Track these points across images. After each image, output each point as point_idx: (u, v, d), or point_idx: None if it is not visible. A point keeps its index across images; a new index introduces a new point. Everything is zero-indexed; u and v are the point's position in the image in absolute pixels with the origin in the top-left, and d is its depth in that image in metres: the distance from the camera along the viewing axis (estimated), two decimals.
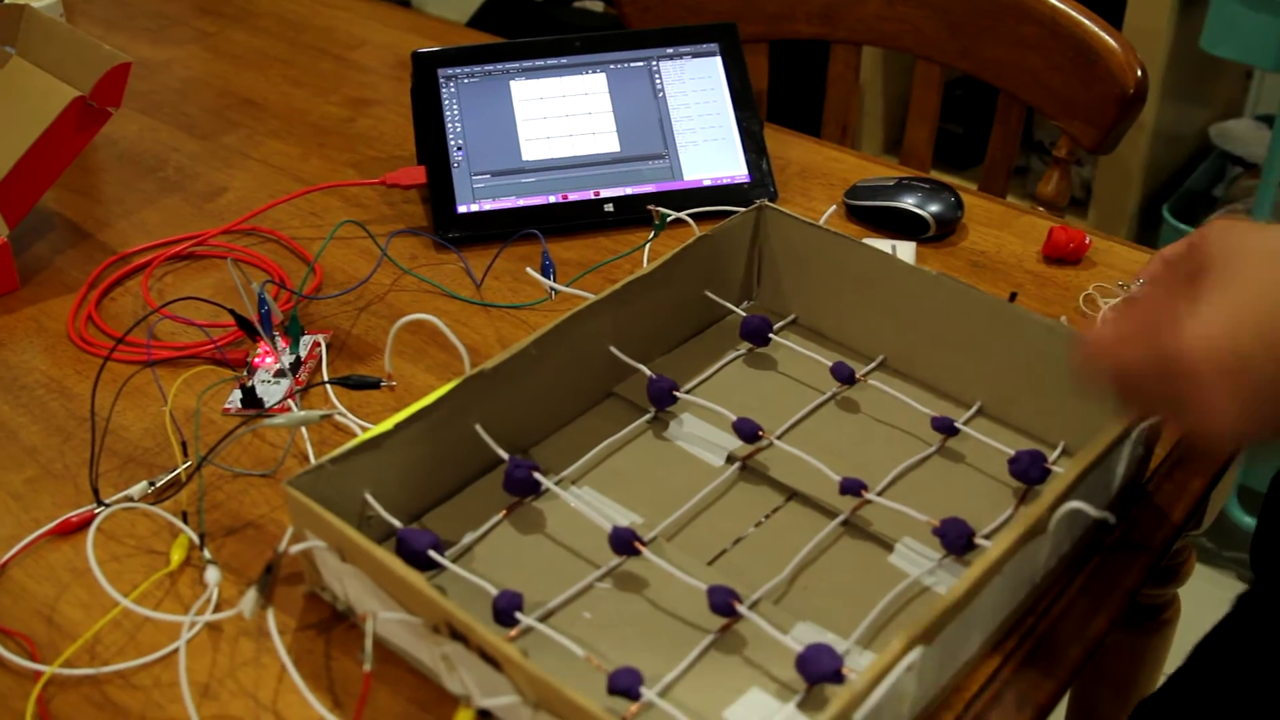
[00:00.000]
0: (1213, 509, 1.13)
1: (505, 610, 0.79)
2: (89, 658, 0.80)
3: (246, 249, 1.20)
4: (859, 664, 0.76)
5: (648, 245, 1.14)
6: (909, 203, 1.19)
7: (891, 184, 1.21)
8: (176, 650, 0.80)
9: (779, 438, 0.94)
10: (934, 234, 1.19)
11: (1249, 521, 2.11)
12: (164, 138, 1.40)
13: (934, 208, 1.18)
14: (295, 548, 0.80)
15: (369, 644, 0.74)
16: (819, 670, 0.73)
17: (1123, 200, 2.58)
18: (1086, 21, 1.34)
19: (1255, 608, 0.98)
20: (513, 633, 0.79)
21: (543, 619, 0.80)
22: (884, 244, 1.13)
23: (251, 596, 0.77)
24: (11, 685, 0.79)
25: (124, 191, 1.30)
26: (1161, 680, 1.22)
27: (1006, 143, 1.48)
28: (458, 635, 0.71)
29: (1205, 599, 1.44)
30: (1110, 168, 2.57)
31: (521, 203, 1.20)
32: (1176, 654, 1.31)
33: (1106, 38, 1.33)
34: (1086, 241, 1.15)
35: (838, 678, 0.73)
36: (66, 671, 0.79)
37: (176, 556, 0.86)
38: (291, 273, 1.16)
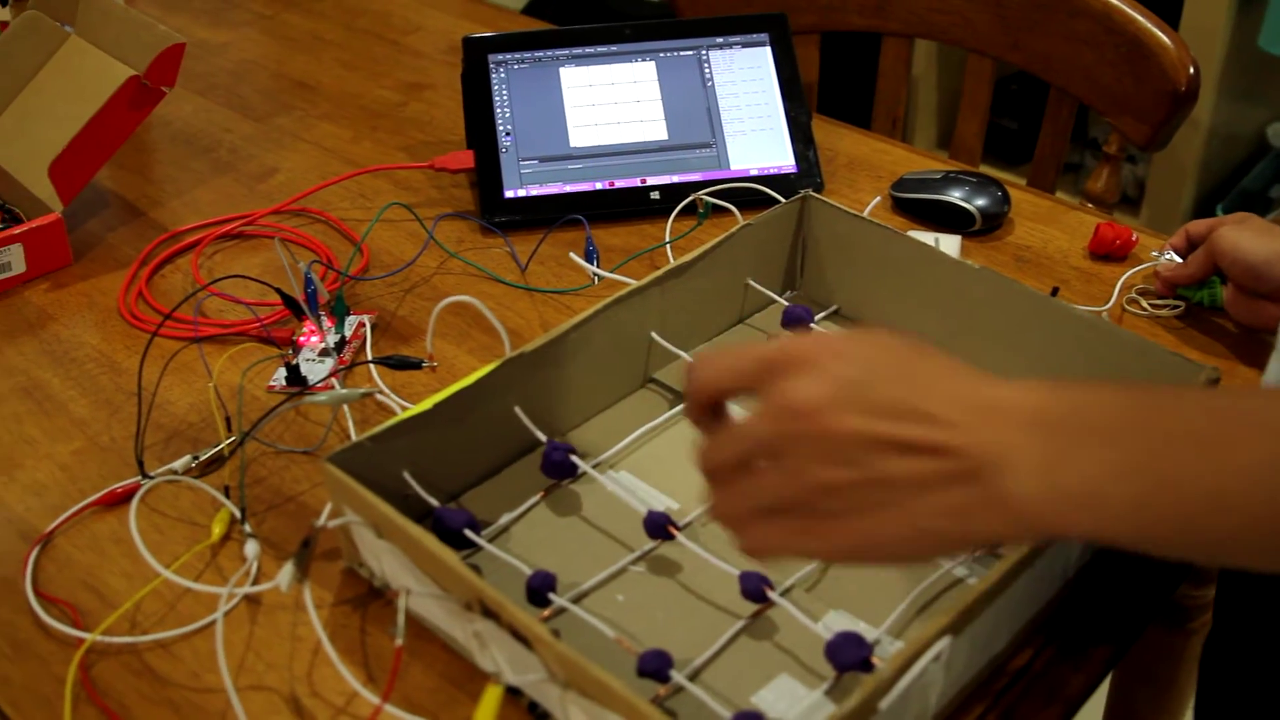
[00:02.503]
0: None
1: (539, 590, 0.79)
2: (129, 626, 0.82)
3: (295, 229, 1.21)
4: (889, 654, 0.77)
5: (692, 232, 1.15)
6: (955, 196, 1.18)
7: (938, 177, 1.21)
8: (214, 621, 0.81)
9: None
10: (979, 228, 1.18)
11: None
12: (218, 119, 1.42)
13: (980, 202, 1.18)
14: (333, 523, 0.81)
15: (402, 619, 0.75)
16: (847, 658, 0.74)
17: (1176, 199, 2.56)
18: (1139, 17, 1.34)
19: (1217, 653, 0.98)
20: (545, 613, 0.79)
21: (575, 600, 0.81)
22: (928, 237, 1.13)
23: (288, 570, 0.78)
24: (54, 651, 0.80)
25: (177, 171, 1.32)
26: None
27: (1056, 138, 1.48)
28: (490, 613, 0.72)
29: None
30: (1164, 166, 2.55)
31: (568, 189, 1.21)
32: None
33: (1159, 34, 1.32)
34: (1134, 239, 1.15)
35: (866, 666, 0.74)
36: (107, 639, 0.81)
37: (217, 530, 0.88)
38: (339, 253, 1.17)
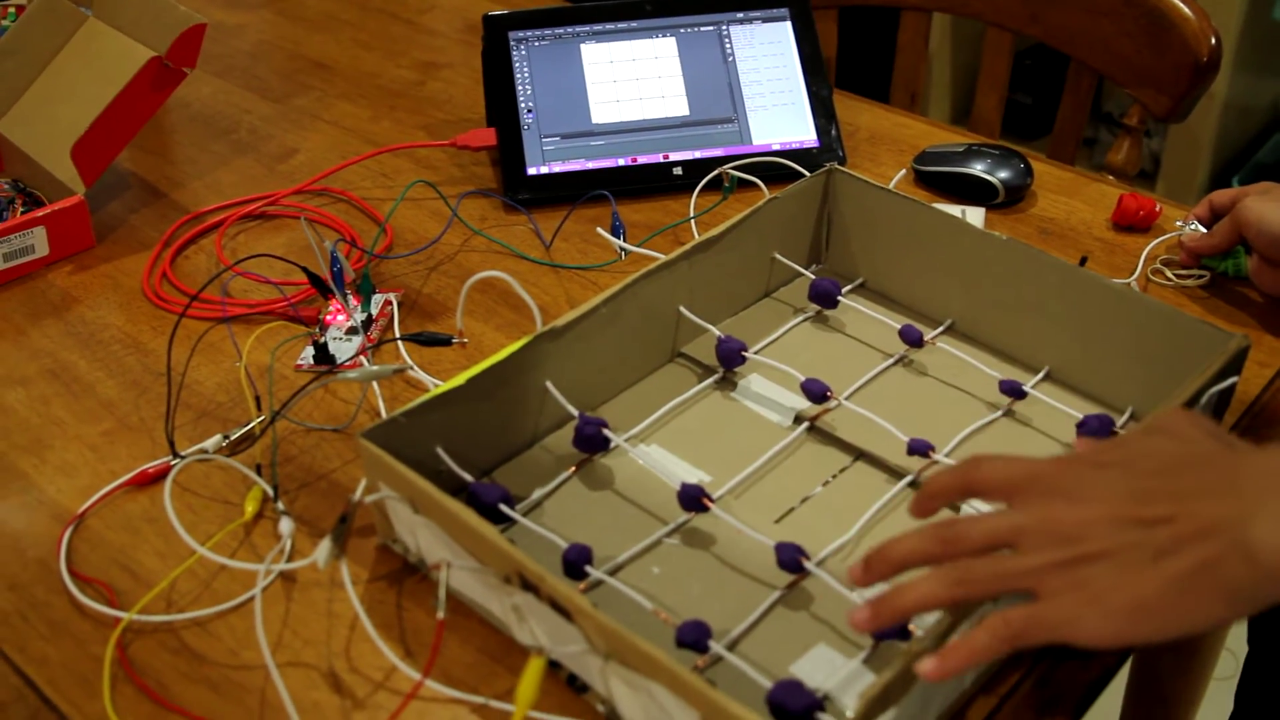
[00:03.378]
0: None
1: (575, 563, 0.80)
2: (165, 605, 0.82)
3: (318, 209, 1.21)
4: (926, 623, 0.77)
5: (717, 207, 1.15)
6: (978, 169, 1.18)
7: (961, 150, 1.21)
8: (251, 599, 0.82)
9: (847, 399, 0.94)
10: (1003, 200, 1.18)
11: None
12: (236, 100, 1.42)
13: (1003, 174, 1.18)
14: (369, 498, 0.81)
15: (443, 592, 0.75)
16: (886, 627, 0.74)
17: (1192, 172, 2.56)
18: None
19: (1254, 680, 0.98)
20: (582, 586, 0.79)
21: (611, 573, 0.81)
22: (953, 209, 1.13)
23: (326, 546, 0.79)
24: (91, 631, 0.81)
25: (197, 152, 1.32)
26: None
27: (1076, 111, 1.47)
28: (529, 586, 0.72)
29: None
30: (1180, 139, 2.54)
31: (590, 165, 1.21)
32: (1239, 623, 1.31)
33: (1180, 4, 1.32)
34: (1157, 209, 1.15)
35: (904, 635, 0.74)
36: (144, 618, 0.81)
37: (250, 508, 0.88)
38: (362, 232, 1.17)
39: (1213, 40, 1.30)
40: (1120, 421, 0.91)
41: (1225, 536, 0.60)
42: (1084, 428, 0.89)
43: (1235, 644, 1.30)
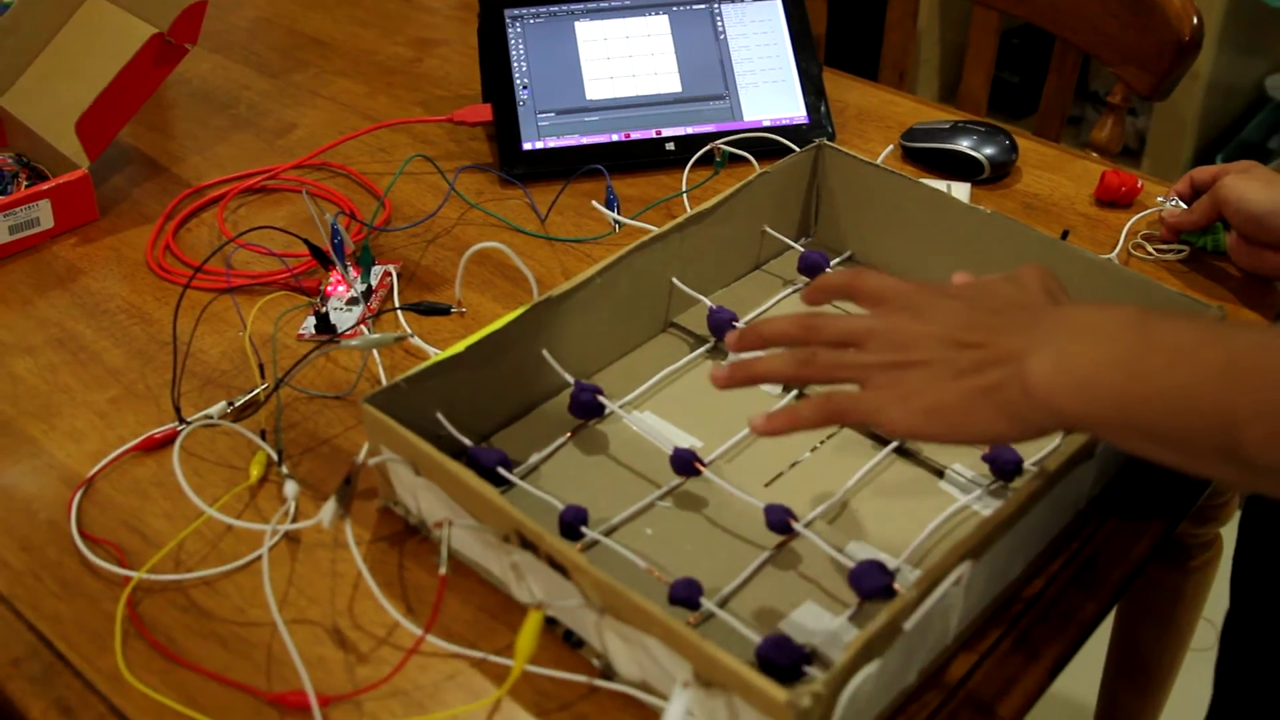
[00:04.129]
0: None
1: (571, 524, 0.82)
2: (174, 565, 0.85)
3: (317, 183, 1.23)
4: (909, 582, 0.79)
5: (708, 182, 1.17)
6: (964, 145, 1.21)
7: (947, 127, 1.24)
8: (256, 559, 0.84)
9: None
10: (988, 176, 1.21)
11: None
12: (235, 76, 1.44)
13: (988, 150, 1.21)
14: (373, 460, 0.83)
15: (445, 548, 0.78)
16: (871, 585, 0.77)
17: (1176, 150, 2.58)
18: None
19: (1237, 632, 1.01)
20: (578, 546, 0.82)
21: (606, 534, 0.84)
22: (939, 185, 1.15)
23: (330, 506, 0.81)
24: (102, 590, 0.83)
25: (197, 127, 1.34)
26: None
27: (1061, 89, 1.50)
28: (527, 544, 0.75)
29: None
30: (1165, 118, 2.57)
31: (585, 141, 1.23)
32: (1218, 591, 1.34)
33: None
34: (1139, 185, 1.17)
35: (889, 593, 0.77)
36: (153, 577, 0.83)
37: (255, 472, 0.90)
38: (361, 206, 1.20)
39: (1194, 20, 1.32)
40: None
41: (1013, 365, 0.70)
42: None
43: (1213, 614, 1.33)
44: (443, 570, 0.77)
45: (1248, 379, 0.64)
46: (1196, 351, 0.66)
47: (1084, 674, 1.43)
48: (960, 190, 1.18)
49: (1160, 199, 1.13)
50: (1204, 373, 0.66)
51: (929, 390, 0.72)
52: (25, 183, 1.19)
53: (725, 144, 1.17)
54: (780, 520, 0.82)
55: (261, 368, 0.99)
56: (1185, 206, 1.10)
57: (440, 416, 0.87)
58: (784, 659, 0.72)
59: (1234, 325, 0.75)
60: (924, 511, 0.86)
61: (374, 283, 1.07)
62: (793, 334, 0.78)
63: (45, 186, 1.14)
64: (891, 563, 0.81)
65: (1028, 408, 0.70)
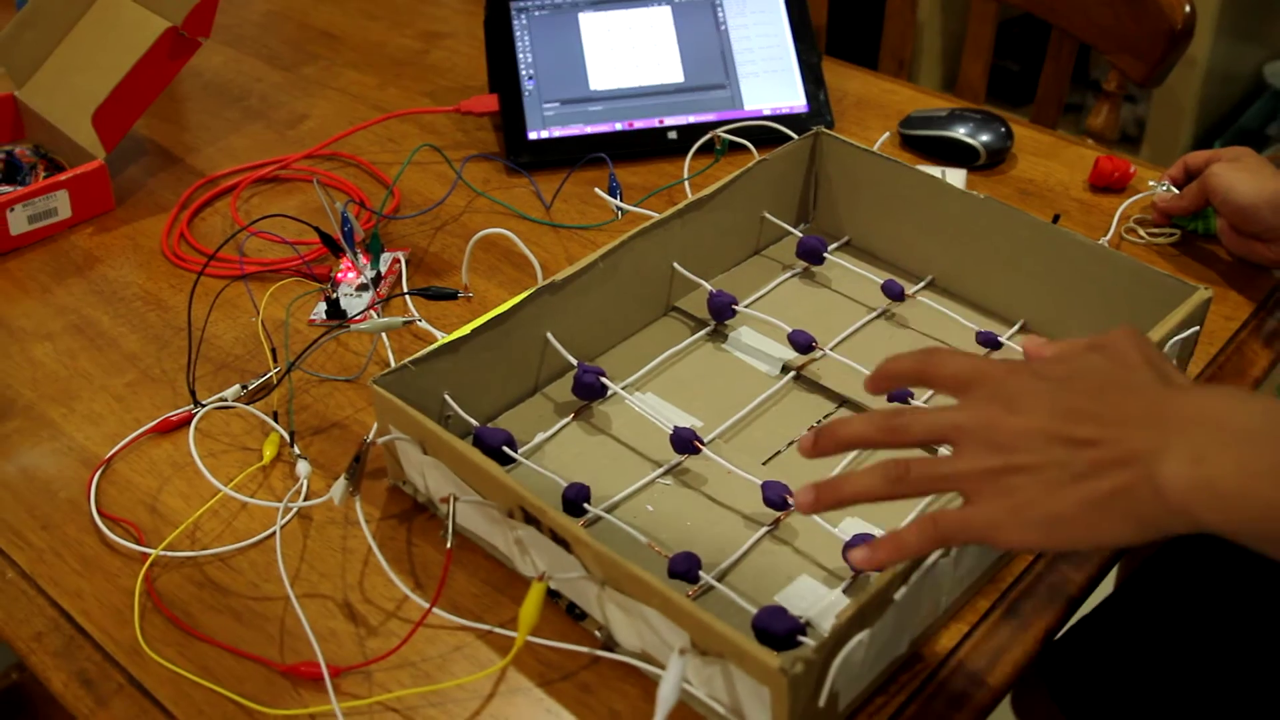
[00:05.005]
0: None
1: (574, 500, 0.85)
2: (189, 542, 0.87)
3: (328, 172, 1.26)
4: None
5: (709, 169, 1.20)
6: (960, 132, 1.23)
7: (944, 114, 1.26)
8: (269, 536, 0.87)
9: (832, 349, 0.99)
10: (984, 163, 1.23)
11: None
12: (247, 68, 1.47)
13: (984, 137, 1.23)
14: (382, 439, 0.86)
15: (451, 523, 0.80)
16: None
17: (1175, 137, 2.60)
18: None
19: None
20: (581, 522, 0.85)
21: (608, 511, 0.87)
22: (935, 171, 1.18)
23: (341, 485, 0.84)
24: (121, 566, 0.86)
25: (210, 119, 1.37)
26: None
27: (1058, 77, 1.52)
28: (531, 519, 0.77)
29: None
30: (1164, 104, 2.59)
31: (589, 130, 1.26)
32: None
33: None
34: (1131, 171, 1.19)
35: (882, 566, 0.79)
36: (170, 554, 0.86)
37: (269, 452, 0.93)
38: (370, 194, 1.22)
39: (1187, 8, 1.34)
40: None
41: (1140, 468, 0.62)
42: None
43: None
44: (449, 544, 0.80)
45: None
46: None
47: None
48: (956, 176, 1.20)
49: (1152, 183, 1.15)
50: None
51: (1045, 500, 0.64)
52: (43, 173, 1.21)
53: (725, 132, 1.19)
54: (777, 497, 0.85)
55: (274, 352, 1.01)
56: (1177, 191, 1.12)
57: (447, 397, 0.90)
58: (779, 628, 0.74)
59: None
60: None
61: (383, 269, 1.10)
62: (874, 436, 0.70)
63: (63, 177, 1.17)
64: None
65: (1160, 515, 0.62)
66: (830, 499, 0.70)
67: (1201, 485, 0.61)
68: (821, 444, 0.71)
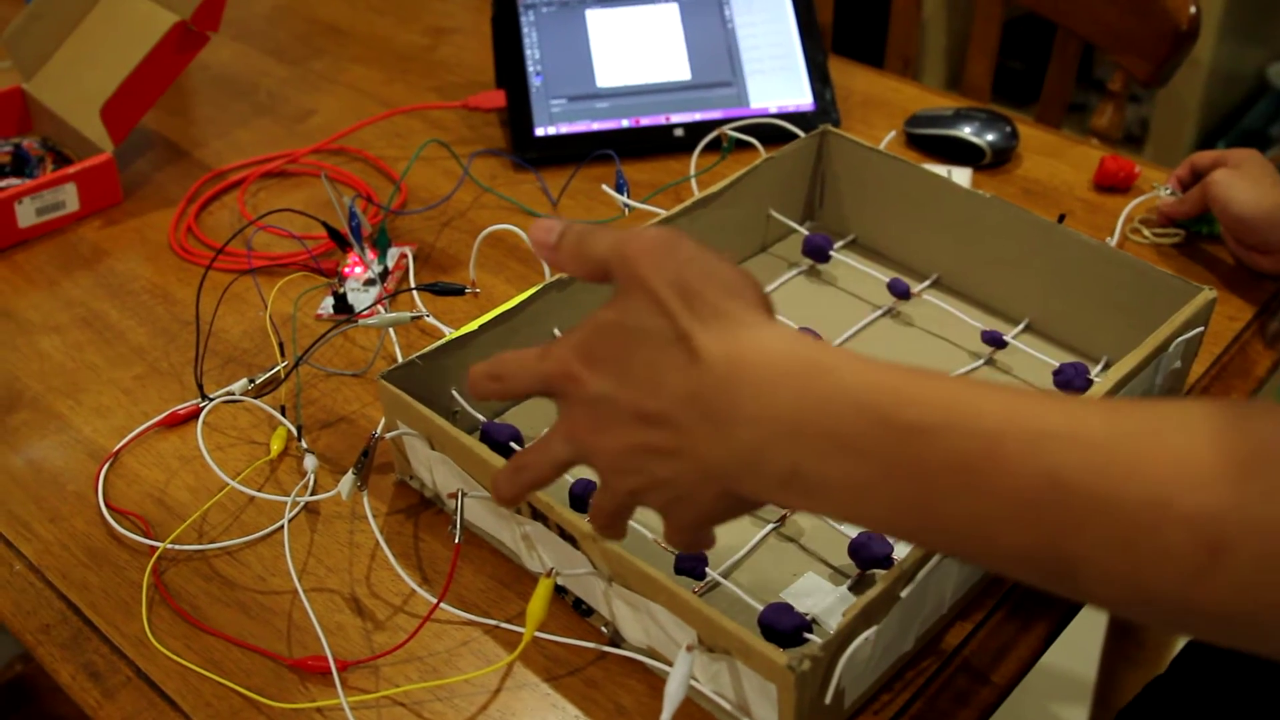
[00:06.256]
0: None
1: (581, 496, 0.85)
2: (197, 535, 0.88)
3: (335, 167, 1.26)
4: (901, 552, 0.82)
5: (716, 167, 1.20)
6: (966, 131, 1.24)
7: (949, 114, 1.26)
8: (276, 530, 0.88)
9: (836, 347, 0.99)
10: (989, 162, 1.24)
11: None
12: (254, 63, 1.47)
13: (990, 137, 1.23)
14: (390, 434, 0.86)
15: (459, 518, 0.81)
16: (871, 555, 0.80)
17: (1179, 137, 2.60)
18: None
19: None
20: (587, 517, 0.85)
21: None
22: (940, 170, 1.18)
23: (349, 479, 0.84)
24: (128, 559, 0.86)
25: (218, 113, 1.37)
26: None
27: (1063, 77, 1.52)
28: (538, 515, 0.78)
29: None
30: (1167, 105, 2.59)
31: (596, 126, 1.26)
32: None
33: None
34: (1136, 171, 1.20)
35: (887, 563, 0.80)
36: (177, 547, 0.87)
37: (276, 446, 0.93)
38: (377, 189, 1.23)
39: (1192, 9, 1.35)
40: (1095, 370, 0.97)
41: (717, 485, 0.60)
42: (1060, 375, 0.94)
43: None
44: (458, 539, 0.80)
45: (1068, 509, 0.52)
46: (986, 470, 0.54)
47: (1084, 650, 1.46)
48: (961, 175, 1.21)
49: (1155, 186, 1.16)
50: (1013, 499, 0.53)
51: (679, 516, 0.63)
52: (51, 166, 1.22)
53: (732, 129, 1.19)
54: None
55: (281, 346, 1.02)
56: (1181, 194, 1.13)
57: (455, 393, 0.90)
58: (786, 625, 0.75)
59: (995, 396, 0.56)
60: None
61: (390, 264, 1.10)
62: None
63: (71, 170, 1.17)
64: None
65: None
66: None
67: (809, 507, 0.59)
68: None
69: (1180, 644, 1.03)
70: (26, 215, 1.15)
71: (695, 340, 0.58)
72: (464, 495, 0.81)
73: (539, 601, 0.75)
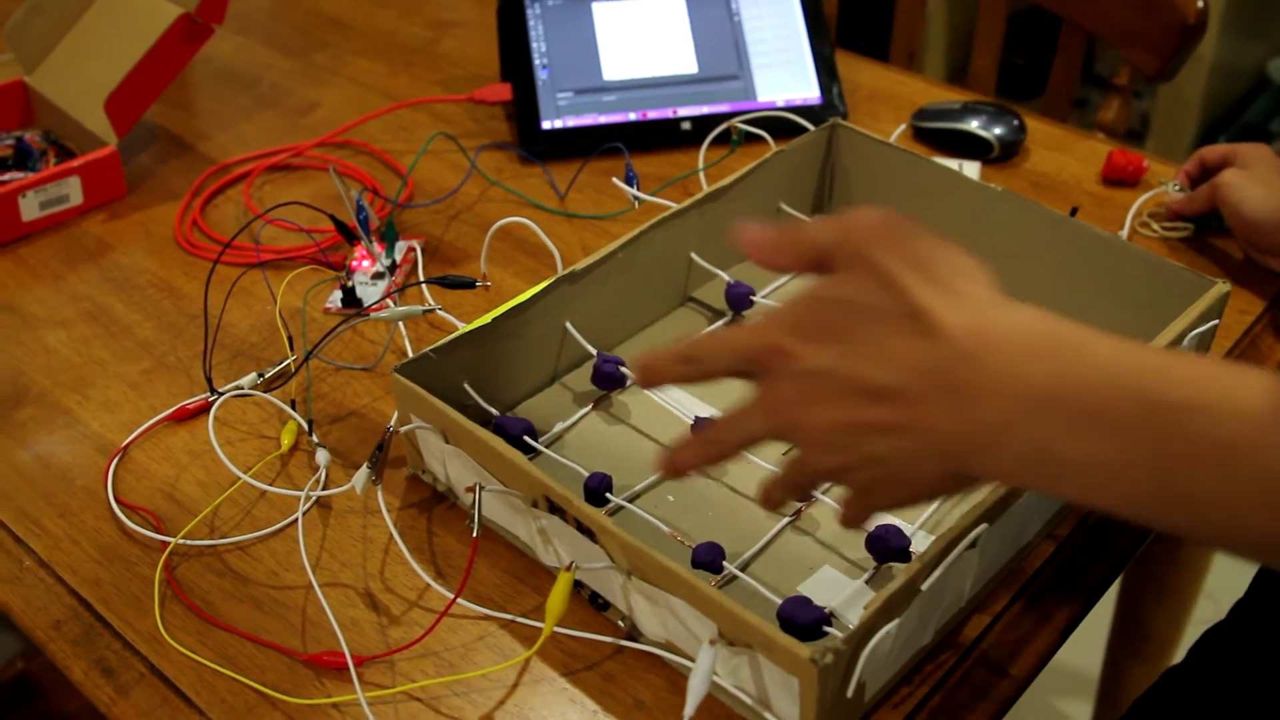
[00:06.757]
0: None
1: (596, 490, 0.85)
2: (208, 531, 0.87)
3: (341, 160, 1.26)
4: (925, 546, 0.82)
5: (724, 160, 1.20)
6: (973, 125, 1.23)
7: (957, 107, 1.26)
8: (288, 525, 0.87)
9: None
10: (997, 155, 1.23)
11: None
12: (257, 56, 1.46)
13: (998, 130, 1.23)
14: (404, 428, 0.86)
15: (478, 512, 0.80)
16: (888, 548, 0.79)
17: (1180, 132, 2.60)
18: None
19: (1252, 613, 0.99)
20: (603, 511, 0.85)
21: (629, 501, 0.86)
22: (950, 163, 1.18)
23: (363, 473, 0.84)
24: (140, 555, 0.86)
25: (221, 106, 1.37)
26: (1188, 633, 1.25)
27: (1068, 71, 1.52)
28: (555, 509, 0.77)
29: None
30: (1169, 100, 2.59)
31: (603, 120, 1.26)
32: (1218, 566, 1.36)
33: None
34: (1145, 165, 1.19)
35: (905, 556, 0.79)
36: (189, 542, 0.86)
37: (287, 440, 0.93)
38: (383, 183, 1.22)
39: (1200, 3, 1.35)
40: None
41: (955, 462, 0.60)
42: None
43: (1213, 588, 1.36)
44: (475, 533, 0.80)
45: None
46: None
47: (1088, 645, 1.46)
48: (971, 169, 1.20)
49: (1163, 182, 1.15)
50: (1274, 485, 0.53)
51: (883, 495, 0.64)
52: (54, 159, 1.21)
53: (743, 121, 1.19)
54: None
55: (290, 340, 1.01)
56: (1189, 190, 1.12)
57: (467, 386, 0.90)
58: (804, 619, 0.74)
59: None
60: None
61: (398, 258, 1.10)
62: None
63: (75, 163, 1.16)
64: (907, 528, 0.84)
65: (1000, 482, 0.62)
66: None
67: (1035, 479, 0.58)
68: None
69: (1193, 634, 1.03)
70: (30, 209, 1.15)
71: (935, 314, 0.57)
72: (482, 489, 0.81)
73: (559, 596, 0.75)
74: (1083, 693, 1.68)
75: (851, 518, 0.66)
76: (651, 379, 0.67)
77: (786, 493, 0.67)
